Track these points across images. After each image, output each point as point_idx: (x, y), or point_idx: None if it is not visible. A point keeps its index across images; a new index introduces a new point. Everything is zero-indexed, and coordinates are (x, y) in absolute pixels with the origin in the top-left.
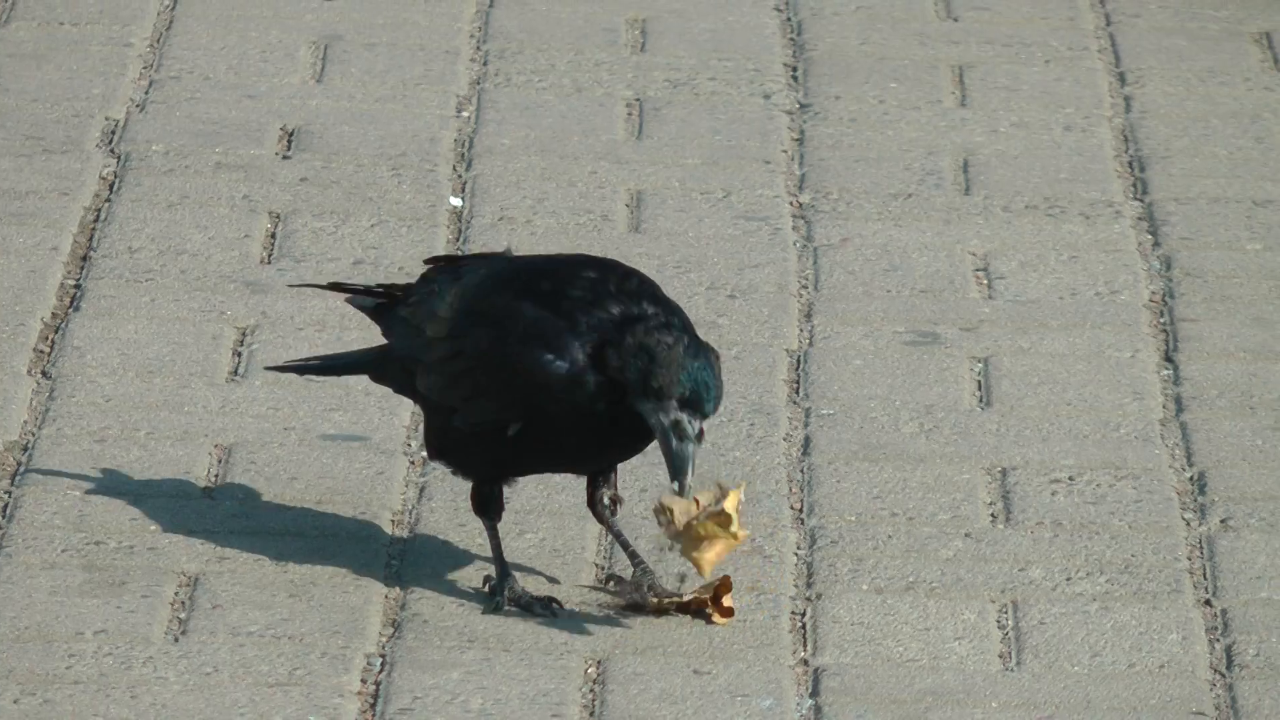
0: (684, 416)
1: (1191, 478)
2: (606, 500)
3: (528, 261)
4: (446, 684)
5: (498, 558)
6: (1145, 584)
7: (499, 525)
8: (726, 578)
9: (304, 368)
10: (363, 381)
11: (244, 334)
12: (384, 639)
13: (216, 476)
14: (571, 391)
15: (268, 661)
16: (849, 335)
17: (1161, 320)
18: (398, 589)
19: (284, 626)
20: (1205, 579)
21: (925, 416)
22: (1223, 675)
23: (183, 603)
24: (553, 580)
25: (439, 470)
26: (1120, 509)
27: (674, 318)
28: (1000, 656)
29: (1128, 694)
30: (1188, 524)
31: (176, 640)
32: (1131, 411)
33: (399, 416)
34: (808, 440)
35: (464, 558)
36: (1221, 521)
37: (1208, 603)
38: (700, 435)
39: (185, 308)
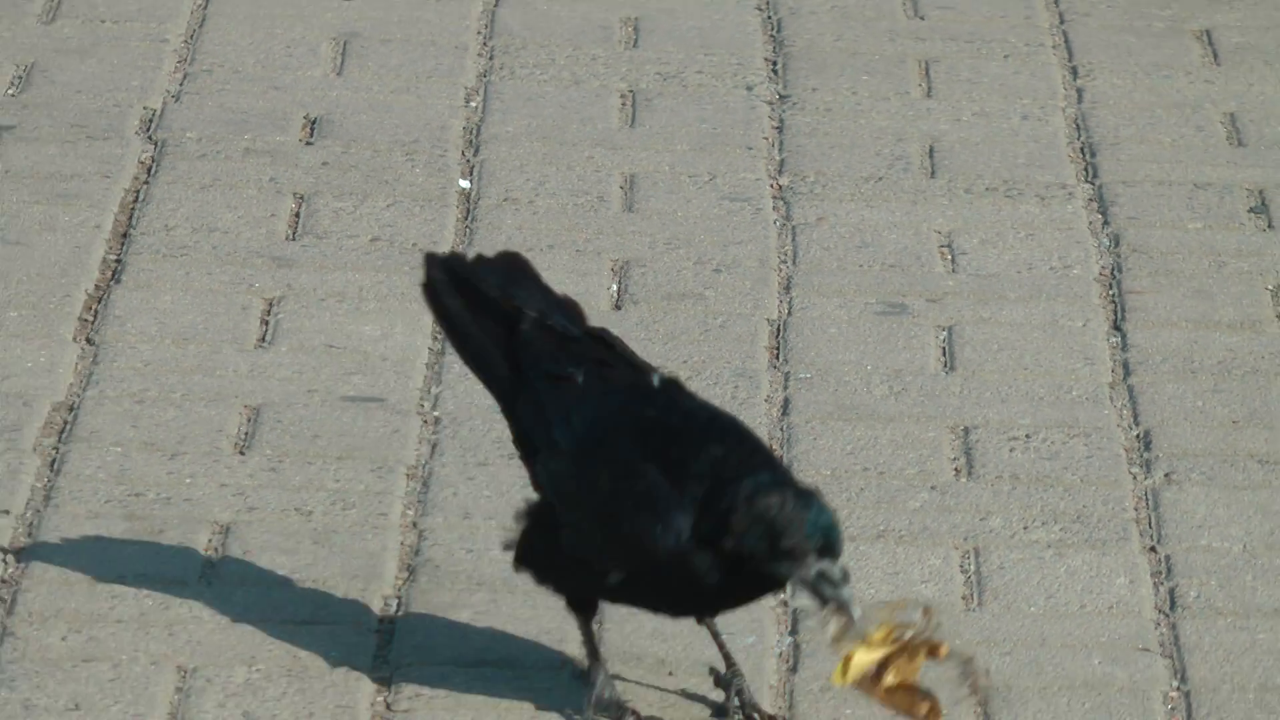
0: (825, 565)
1: (1138, 436)
2: None
3: (663, 414)
4: (457, 624)
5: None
6: (1095, 532)
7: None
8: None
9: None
10: (379, 348)
11: (270, 304)
12: (399, 582)
13: (246, 435)
14: (676, 563)
15: (293, 603)
16: (825, 306)
17: (1110, 292)
18: (412, 537)
19: (308, 571)
20: (1150, 528)
21: (894, 380)
22: (1166, 615)
23: (215, 549)
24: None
25: (449, 428)
26: (1073, 464)
27: (769, 473)
28: (963, 598)
29: (1080, 632)
30: (1134, 478)
31: (210, 583)
32: (1083, 375)
33: (412, 380)
34: (787, 402)
35: (473, 508)
36: (1165, 475)
37: (1153, 549)
38: (846, 575)
39: (217, 280)
